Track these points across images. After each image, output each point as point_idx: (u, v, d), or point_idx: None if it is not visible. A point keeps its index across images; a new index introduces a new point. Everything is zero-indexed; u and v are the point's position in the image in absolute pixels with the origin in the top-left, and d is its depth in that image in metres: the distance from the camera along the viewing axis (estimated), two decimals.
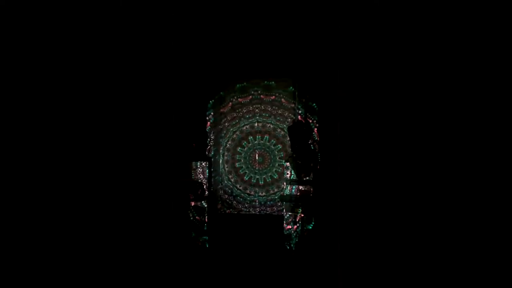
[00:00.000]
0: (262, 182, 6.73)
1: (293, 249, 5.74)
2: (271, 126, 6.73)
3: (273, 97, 6.55)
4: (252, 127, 6.81)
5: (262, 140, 6.86)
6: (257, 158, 6.83)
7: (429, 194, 4.41)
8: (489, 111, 4.14)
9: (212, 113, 6.57)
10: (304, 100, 6.16)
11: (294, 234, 5.85)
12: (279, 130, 6.68)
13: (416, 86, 4.50)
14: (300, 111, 6.35)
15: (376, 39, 4.65)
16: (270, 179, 6.74)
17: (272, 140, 6.81)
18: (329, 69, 5.24)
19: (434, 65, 4.39)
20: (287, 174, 6.17)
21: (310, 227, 5.71)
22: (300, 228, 5.87)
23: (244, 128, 6.80)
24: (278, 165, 6.69)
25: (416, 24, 4.42)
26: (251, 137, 6.88)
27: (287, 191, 6.09)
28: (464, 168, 4.28)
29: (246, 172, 6.79)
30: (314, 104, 6.02)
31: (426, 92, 4.44)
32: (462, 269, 4.13)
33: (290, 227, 5.93)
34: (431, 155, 4.44)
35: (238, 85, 6.55)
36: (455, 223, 4.23)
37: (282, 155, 6.62)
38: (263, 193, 6.66)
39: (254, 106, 6.66)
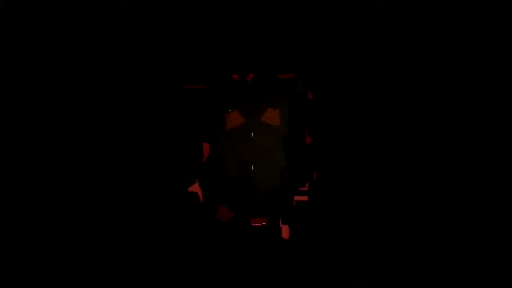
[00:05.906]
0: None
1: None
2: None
3: None
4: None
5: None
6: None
7: (430, 201, 4.35)
8: (490, 111, 4.12)
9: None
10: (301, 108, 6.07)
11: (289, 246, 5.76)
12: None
13: (421, 96, 4.43)
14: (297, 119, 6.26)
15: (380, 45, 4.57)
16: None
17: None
18: (329, 74, 5.17)
19: (440, 67, 4.34)
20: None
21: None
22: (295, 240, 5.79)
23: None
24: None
25: (418, 22, 4.37)
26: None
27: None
28: (466, 182, 4.16)
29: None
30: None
31: (434, 100, 4.37)
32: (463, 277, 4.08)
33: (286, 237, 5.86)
34: (431, 163, 4.36)
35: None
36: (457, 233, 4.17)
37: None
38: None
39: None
